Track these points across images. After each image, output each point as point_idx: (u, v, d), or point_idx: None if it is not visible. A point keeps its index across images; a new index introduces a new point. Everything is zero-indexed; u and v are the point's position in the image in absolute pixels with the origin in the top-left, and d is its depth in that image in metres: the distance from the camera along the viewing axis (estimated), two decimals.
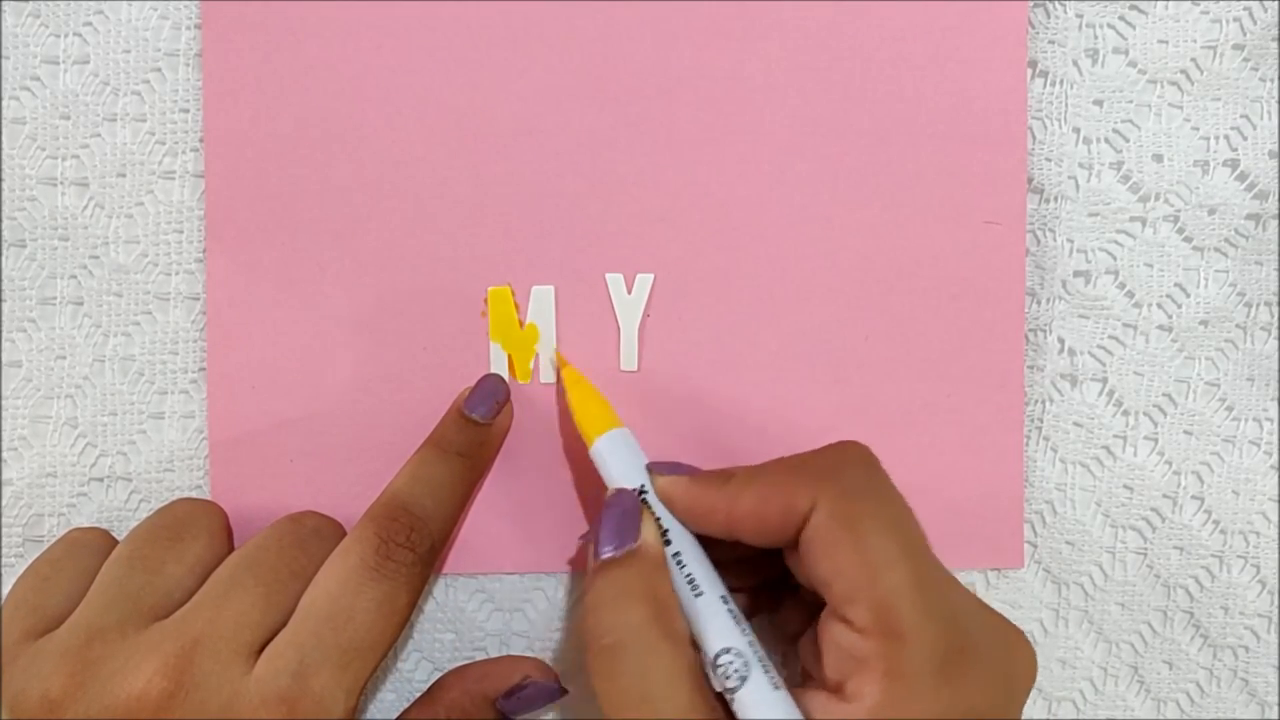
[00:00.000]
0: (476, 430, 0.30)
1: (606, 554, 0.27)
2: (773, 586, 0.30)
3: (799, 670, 0.28)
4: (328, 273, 0.32)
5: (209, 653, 0.26)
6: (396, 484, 0.29)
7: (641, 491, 0.28)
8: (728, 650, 0.26)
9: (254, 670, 0.26)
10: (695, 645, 0.26)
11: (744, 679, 0.25)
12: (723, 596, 0.27)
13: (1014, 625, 0.27)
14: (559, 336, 0.32)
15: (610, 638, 0.26)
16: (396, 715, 0.30)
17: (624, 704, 0.25)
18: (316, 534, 0.29)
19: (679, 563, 0.27)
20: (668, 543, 0.27)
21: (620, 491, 0.28)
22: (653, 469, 0.29)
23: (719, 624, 0.26)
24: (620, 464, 0.29)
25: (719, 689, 0.26)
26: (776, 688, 0.25)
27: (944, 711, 0.24)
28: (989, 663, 0.25)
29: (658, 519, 0.28)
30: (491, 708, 0.30)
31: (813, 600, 0.27)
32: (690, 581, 0.27)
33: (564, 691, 0.31)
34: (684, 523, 0.28)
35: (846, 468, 0.27)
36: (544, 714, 0.32)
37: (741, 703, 0.25)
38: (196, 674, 0.26)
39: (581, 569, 0.32)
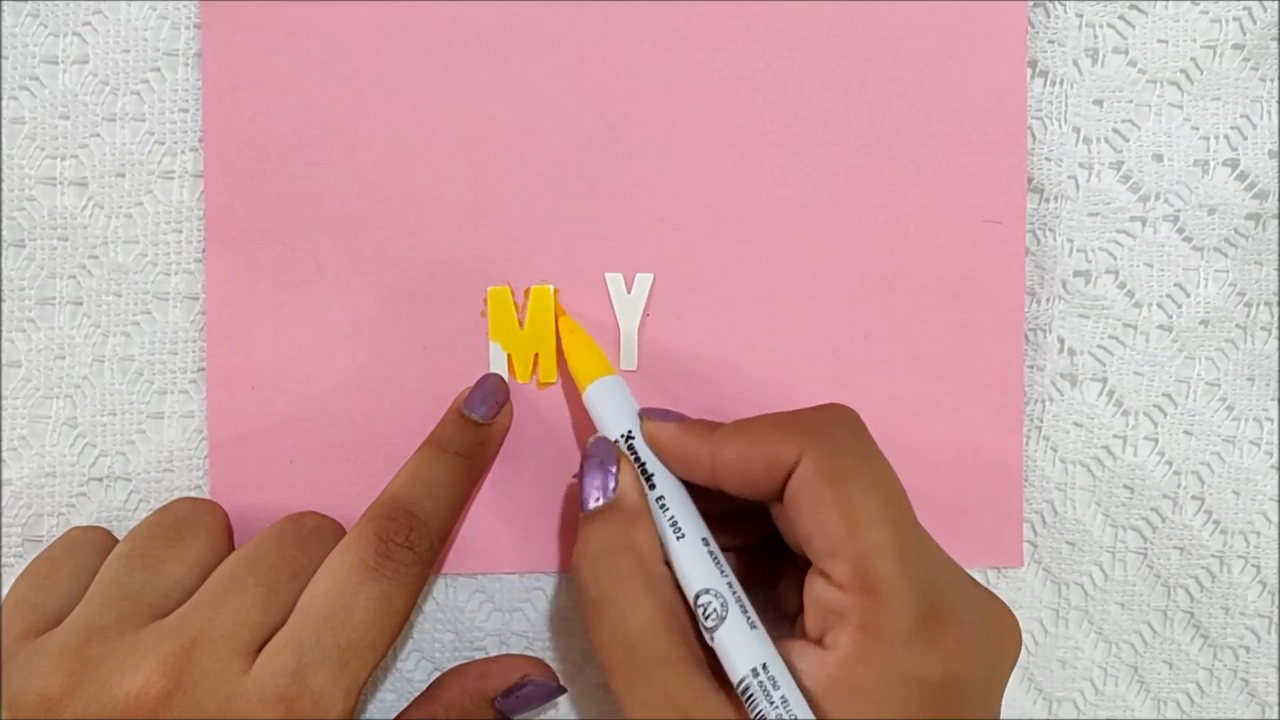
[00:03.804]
0: (476, 430, 0.30)
1: (590, 505, 0.28)
2: (768, 555, 0.30)
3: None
4: (328, 273, 0.32)
5: (207, 652, 0.26)
6: (396, 484, 0.29)
7: (630, 436, 0.29)
8: (706, 591, 0.26)
9: (252, 669, 0.26)
10: (680, 590, 0.27)
11: (722, 619, 0.26)
12: (704, 539, 0.27)
13: (997, 597, 0.27)
14: (559, 336, 0.32)
15: (594, 589, 0.27)
16: (396, 715, 0.30)
17: (611, 651, 0.26)
18: (316, 534, 0.29)
19: (662, 506, 0.28)
20: (652, 487, 0.28)
21: (598, 439, 0.29)
22: (644, 414, 0.29)
23: (699, 565, 0.27)
24: (610, 409, 0.29)
25: (702, 629, 0.26)
26: (753, 627, 0.26)
27: (917, 670, 0.24)
28: (969, 629, 0.25)
29: (643, 463, 0.28)
30: (490, 707, 0.30)
31: (806, 568, 0.27)
32: (673, 524, 0.27)
33: (563, 690, 0.31)
34: (669, 468, 0.28)
35: (834, 426, 0.27)
36: (543, 713, 0.32)
37: (719, 641, 0.26)
38: (195, 673, 0.26)
39: None
